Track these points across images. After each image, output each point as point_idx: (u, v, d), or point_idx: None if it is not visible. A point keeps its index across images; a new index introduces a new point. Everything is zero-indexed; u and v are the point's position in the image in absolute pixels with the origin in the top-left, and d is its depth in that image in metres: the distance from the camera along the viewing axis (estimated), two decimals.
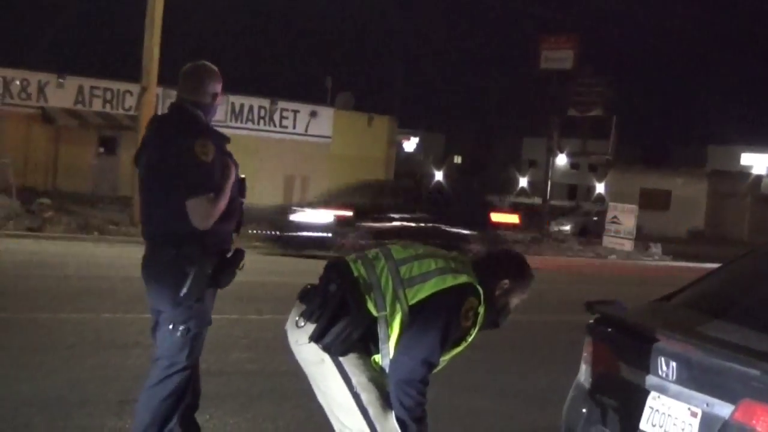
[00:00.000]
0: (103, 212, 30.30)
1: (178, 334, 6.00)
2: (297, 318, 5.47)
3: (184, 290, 5.89)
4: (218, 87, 6.30)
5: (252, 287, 15.73)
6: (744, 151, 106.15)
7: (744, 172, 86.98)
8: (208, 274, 5.91)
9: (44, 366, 9.70)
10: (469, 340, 5.56)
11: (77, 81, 44.06)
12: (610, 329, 5.47)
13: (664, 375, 4.85)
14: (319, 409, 5.60)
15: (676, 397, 4.78)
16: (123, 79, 43.59)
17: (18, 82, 42.31)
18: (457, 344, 5.52)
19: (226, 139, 6.26)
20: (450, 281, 5.36)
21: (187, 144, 6.02)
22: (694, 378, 4.69)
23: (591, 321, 5.67)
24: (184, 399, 6.11)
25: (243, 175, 6.32)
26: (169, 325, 6.02)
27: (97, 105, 44.31)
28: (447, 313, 5.33)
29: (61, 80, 43.38)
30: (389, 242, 6.03)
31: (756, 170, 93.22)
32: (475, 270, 5.59)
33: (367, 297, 5.34)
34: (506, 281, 5.62)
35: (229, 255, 6.11)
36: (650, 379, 4.94)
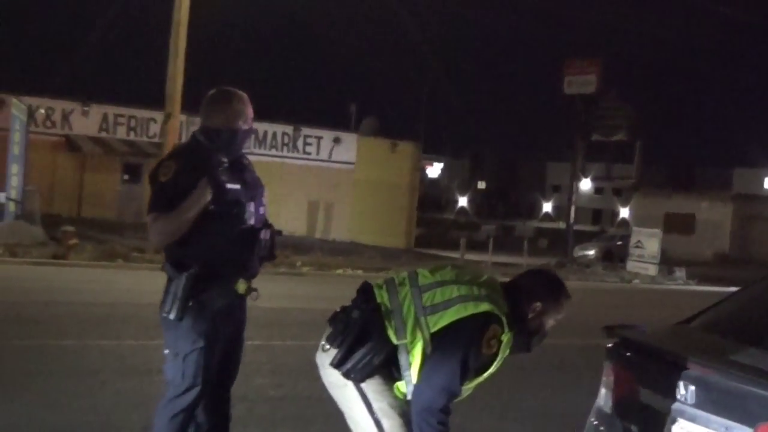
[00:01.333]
0: (127, 239, 30.39)
1: (171, 357, 6.05)
2: (323, 342, 5.51)
3: (166, 309, 5.94)
4: (226, 110, 6.28)
5: (275, 313, 15.77)
6: None
7: None
8: (183, 294, 5.92)
9: (69, 392, 9.76)
10: (495, 367, 5.54)
11: (102, 109, 44.38)
12: (629, 353, 5.47)
13: (683, 399, 4.85)
14: None
15: (695, 420, 4.78)
16: (147, 107, 43.80)
17: (43, 111, 42.60)
18: (482, 372, 5.49)
19: (219, 163, 6.22)
20: (471, 309, 5.34)
21: (157, 166, 6.19)
22: (713, 401, 4.69)
23: (610, 345, 5.68)
24: (195, 419, 6.14)
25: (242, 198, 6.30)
26: (166, 348, 6.10)
27: (121, 132, 44.61)
28: (467, 341, 5.32)
29: (85, 108, 43.71)
30: (420, 266, 6.02)
31: None
32: (506, 294, 5.58)
33: (387, 324, 5.35)
34: (538, 303, 5.59)
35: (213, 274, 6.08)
36: (669, 403, 4.94)
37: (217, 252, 6.05)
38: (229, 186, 6.15)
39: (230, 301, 6.19)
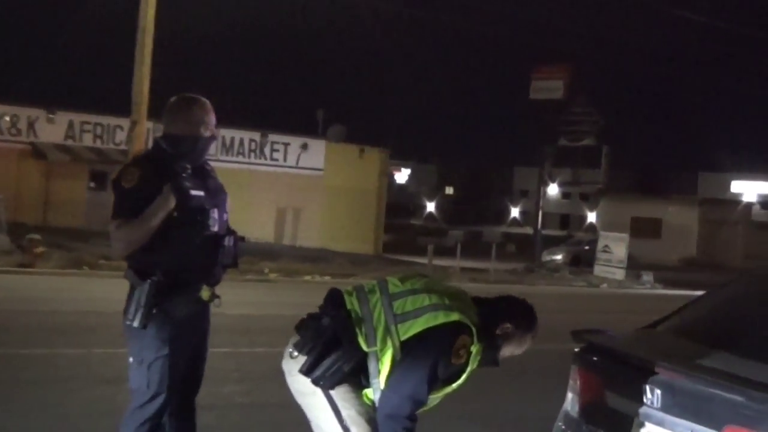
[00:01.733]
0: (94, 247, 30.21)
1: (135, 365, 6.03)
2: (290, 348, 5.49)
3: (129, 318, 5.92)
4: (188, 117, 6.27)
5: (244, 320, 15.77)
6: (734, 179, 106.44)
7: (735, 200, 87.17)
8: (147, 301, 5.91)
9: (38, 401, 9.71)
10: (463, 378, 5.55)
11: (67, 116, 44.13)
12: (596, 357, 5.50)
13: (649, 402, 4.87)
14: None
15: (662, 424, 4.80)
16: (113, 114, 43.57)
17: (8, 118, 42.38)
18: (450, 382, 5.50)
19: (183, 169, 6.20)
20: (442, 318, 5.35)
21: (119, 173, 6.16)
22: (679, 405, 4.71)
23: (577, 349, 5.70)
24: (161, 428, 6.13)
25: (208, 207, 6.29)
26: (130, 356, 6.08)
27: (87, 140, 44.36)
28: (436, 350, 5.32)
29: (51, 115, 43.46)
30: (389, 275, 6.03)
31: (746, 198, 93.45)
32: (478, 307, 5.61)
33: (358, 331, 5.35)
34: (509, 325, 5.63)
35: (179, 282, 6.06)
36: (636, 407, 4.96)
37: (181, 259, 6.03)
38: (193, 193, 6.14)
39: (194, 309, 6.19)
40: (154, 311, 5.92)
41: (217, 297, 6.28)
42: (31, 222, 38.75)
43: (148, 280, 5.90)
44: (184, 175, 6.15)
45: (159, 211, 5.95)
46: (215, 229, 6.25)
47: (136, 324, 5.89)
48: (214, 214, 6.26)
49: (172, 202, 5.99)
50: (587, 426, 5.45)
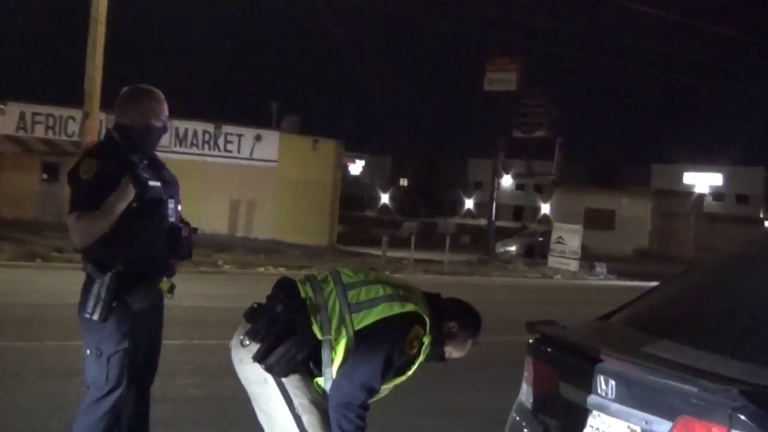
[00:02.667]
0: (46, 239, 30.02)
1: (93, 358, 5.98)
2: (242, 337, 5.48)
3: (88, 311, 5.88)
4: (139, 107, 6.24)
5: (197, 312, 15.72)
6: (687, 171, 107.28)
7: (687, 192, 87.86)
8: (108, 294, 5.87)
9: None
10: (413, 369, 5.58)
11: (19, 107, 43.79)
12: (550, 349, 5.51)
13: (603, 393, 4.89)
14: None
15: (616, 415, 4.82)
16: (65, 105, 43.27)
17: None
18: (402, 373, 5.53)
19: (139, 160, 6.18)
20: (397, 308, 5.38)
21: (76, 164, 6.11)
22: (633, 396, 4.72)
23: (531, 341, 5.71)
24: (119, 421, 6.08)
25: (166, 197, 6.26)
26: (87, 349, 6.03)
27: (39, 131, 44.02)
28: (391, 340, 5.35)
29: (2, 106, 43.08)
30: (340, 266, 6.04)
31: (698, 189, 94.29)
32: (429, 302, 5.63)
33: (313, 319, 5.35)
34: (454, 324, 5.67)
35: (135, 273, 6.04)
36: (590, 398, 4.98)
37: (141, 250, 6.00)
38: (151, 183, 6.12)
39: (153, 300, 6.16)
40: (114, 304, 5.88)
41: (174, 289, 6.27)
42: None
43: (109, 273, 5.87)
44: (140, 165, 6.13)
45: (119, 202, 5.91)
46: (172, 219, 6.23)
47: (96, 317, 5.85)
48: (171, 204, 6.26)
49: (132, 193, 5.96)
50: (542, 417, 5.46)
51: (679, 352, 4.80)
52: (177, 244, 6.22)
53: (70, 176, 6.11)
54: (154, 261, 6.12)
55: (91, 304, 5.86)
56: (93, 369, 6.02)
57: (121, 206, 5.92)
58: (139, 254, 6.00)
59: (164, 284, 6.20)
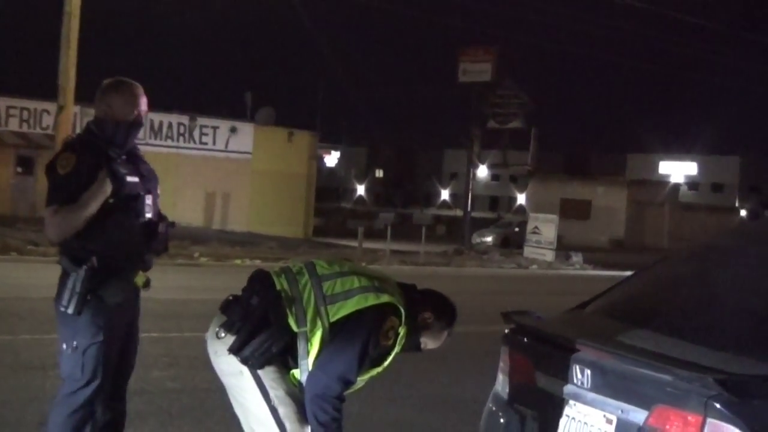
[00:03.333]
0: (21, 232, 29.96)
1: (69, 351, 5.96)
2: (217, 329, 5.48)
3: (63, 304, 5.86)
4: (115, 101, 6.21)
5: (173, 305, 15.69)
6: (662, 160, 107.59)
7: (662, 181, 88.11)
8: (82, 288, 5.85)
9: None
10: (389, 360, 5.59)
11: None
12: (525, 339, 5.51)
13: (579, 383, 4.90)
14: (240, 424, 5.60)
15: (592, 404, 4.83)
16: (40, 98, 43.08)
17: None
18: (377, 364, 5.54)
19: (117, 155, 6.16)
20: (372, 300, 5.39)
21: (54, 158, 6.10)
22: (609, 385, 4.74)
23: (507, 331, 5.72)
24: (93, 415, 6.06)
25: (142, 192, 6.24)
26: (62, 342, 6.01)
27: (13, 124, 43.84)
28: (367, 331, 5.36)
29: None
30: (315, 258, 6.04)
31: (673, 179, 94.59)
32: (404, 293, 5.63)
33: (288, 311, 5.35)
34: (429, 315, 5.68)
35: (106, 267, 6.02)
36: (566, 388, 4.99)
37: (116, 245, 5.98)
38: (129, 179, 6.11)
39: (129, 295, 6.15)
40: (89, 297, 5.87)
41: (149, 283, 6.26)
42: None
43: (84, 266, 5.85)
44: (118, 160, 6.11)
45: (95, 196, 5.89)
46: (149, 215, 6.22)
47: (70, 310, 5.83)
48: (148, 200, 6.25)
49: (109, 188, 5.95)
50: (518, 407, 5.47)
51: (654, 341, 4.81)
52: (153, 240, 6.21)
53: (47, 170, 6.09)
54: (129, 256, 6.11)
55: (66, 297, 5.85)
56: (68, 362, 6.01)
57: (98, 201, 5.90)
58: (114, 248, 5.98)
59: (139, 278, 6.18)
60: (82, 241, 5.92)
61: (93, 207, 5.89)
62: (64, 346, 6.00)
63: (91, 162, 5.98)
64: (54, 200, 5.95)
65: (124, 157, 6.21)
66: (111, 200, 5.96)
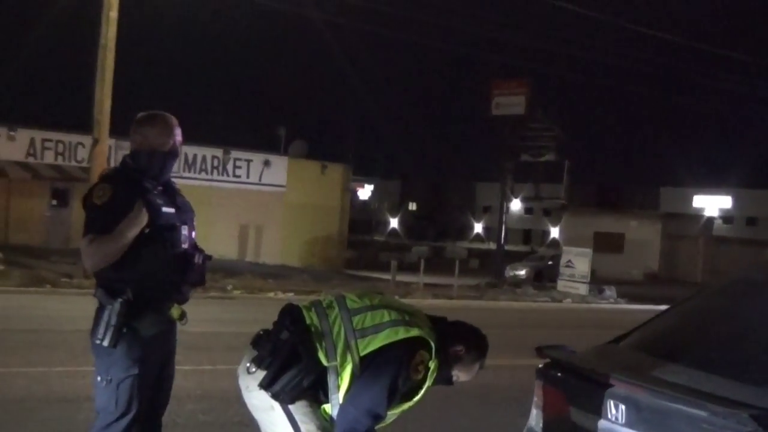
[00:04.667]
0: (55, 265, 30.07)
1: (103, 384, 5.95)
2: (248, 364, 5.47)
3: (98, 336, 5.86)
4: (149, 132, 6.23)
5: (206, 337, 15.69)
6: (696, 194, 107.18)
7: (696, 215, 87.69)
8: (117, 321, 5.85)
9: None
10: (420, 394, 5.56)
11: (29, 133, 43.89)
12: (559, 373, 5.49)
13: (613, 418, 4.86)
14: None
15: None
16: (75, 131, 43.36)
17: None
18: (408, 398, 5.51)
19: (152, 186, 6.18)
20: (402, 333, 5.37)
21: (91, 189, 6.12)
22: (644, 420, 4.70)
23: (541, 365, 5.69)
24: None
25: (179, 224, 6.25)
26: (97, 375, 6.01)
27: (49, 157, 44.11)
28: (396, 365, 5.33)
29: (12, 133, 43.20)
30: (346, 291, 6.03)
31: (708, 212, 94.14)
32: (434, 326, 5.61)
33: (318, 346, 5.34)
34: (462, 348, 5.64)
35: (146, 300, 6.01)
36: (600, 423, 4.96)
37: (151, 277, 5.99)
38: (164, 210, 6.12)
39: (163, 327, 6.14)
40: (124, 330, 5.87)
41: (186, 315, 6.26)
42: None
43: (119, 299, 5.86)
44: (154, 192, 6.13)
45: (131, 227, 5.91)
46: (185, 246, 6.22)
47: (105, 343, 5.83)
48: (184, 231, 6.25)
49: (145, 218, 5.96)
50: None
51: (689, 376, 4.78)
52: (188, 271, 6.21)
53: (84, 201, 6.12)
54: (164, 287, 6.11)
55: (101, 330, 5.85)
56: (102, 395, 6.01)
57: (134, 231, 5.92)
58: (148, 280, 5.99)
59: (175, 311, 6.18)
60: (118, 271, 5.93)
61: (129, 237, 5.90)
62: (99, 378, 6.00)
63: (127, 192, 6.00)
64: (90, 230, 5.97)
65: (160, 188, 6.23)
66: (147, 230, 5.98)
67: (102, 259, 5.92)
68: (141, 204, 5.97)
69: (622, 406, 4.80)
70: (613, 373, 4.96)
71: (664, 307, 6.96)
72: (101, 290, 6.00)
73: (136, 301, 5.90)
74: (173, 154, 6.35)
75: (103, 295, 5.96)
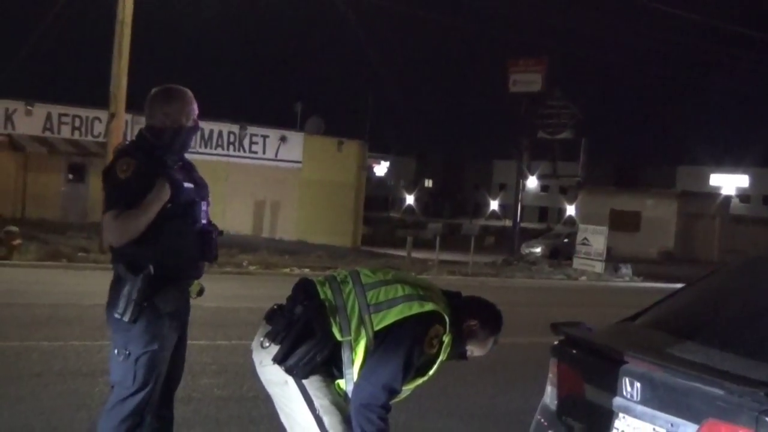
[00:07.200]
0: (72, 239, 30.15)
1: (121, 358, 5.95)
2: (262, 339, 5.48)
3: (118, 311, 5.86)
4: (168, 108, 6.22)
5: (221, 313, 15.73)
6: (713, 172, 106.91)
7: (713, 193, 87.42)
8: (138, 296, 5.85)
9: (11, 395, 9.62)
10: (435, 369, 5.55)
11: (45, 108, 43.88)
12: (575, 350, 5.48)
13: (629, 396, 4.85)
14: None
15: (641, 417, 4.79)
16: (91, 106, 43.34)
17: None
18: (423, 373, 5.51)
19: (173, 162, 6.17)
20: (416, 308, 5.36)
21: (112, 163, 6.08)
22: (659, 398, 4.69)
23: (556, 342, 5.68)
24: (143, 423, 6.05)
25: (198, 199, 6.25)
26: (114, 349, 6.00)
27: (65, 132, 44.12)
28: (411, 339, 5.33)
29: (29, 107, 43.20)
30: (360, 267, 6.03)
31: (725, 191, 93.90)
32: (448, 301, 5.60)
33: (332, 320, 5.34)
34: (475, 322, 5.63)
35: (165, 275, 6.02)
36: (615, 400, 4.95)
37: (172, 252, 6.00)
38: (186, 185, 6.12)
39: (183, 303, 6.15)
40: (145, 305, 5.87)
41: (204, 291, 6.27)
42: (9, 214, 38.66)
43: (141, 274, 5.85)
44: (174, 167, 6.13)
45: (155, 202, 5.90)
46: (203, 221, 6.22)
47: (126, 318, 5.83)
48: (203, 206, 6.25)
49: (168, 194, 5.95)
50: (566, 419, 5.43)
51: (705, 355, 4.76)
52: (208, 247, 6.22)
53: (105, 175, 6.09)
54: (185, 263, 6.12)
55: (121, 304, 5.84)
56: (120, 369, 6.00)
57: (157, 207, 5.91)
58: (170, 256, 5.99)
59: (194, 286, 6.20)
60: (140, 247, 5.93)
61: (153, 212, 5.89)
62: (116, 352, 5.99)
63: (148, 168, 5.99)
64: (114, 205, 5.94)
65: (180, 163, 6.23)
66: (169, 206, 5.97)
67: (127, 234, 5.91)
68: (164, 179, 5.96)
69: (638, 384, 4.79)
70: (628, 350, 4.95)
71: (680, 286, 6.94)
72: (121, 265, 5.99)
73: (157, 276, 5.90)
74: (195, 128, 6.36)
75: (123, 270, 5.95)
